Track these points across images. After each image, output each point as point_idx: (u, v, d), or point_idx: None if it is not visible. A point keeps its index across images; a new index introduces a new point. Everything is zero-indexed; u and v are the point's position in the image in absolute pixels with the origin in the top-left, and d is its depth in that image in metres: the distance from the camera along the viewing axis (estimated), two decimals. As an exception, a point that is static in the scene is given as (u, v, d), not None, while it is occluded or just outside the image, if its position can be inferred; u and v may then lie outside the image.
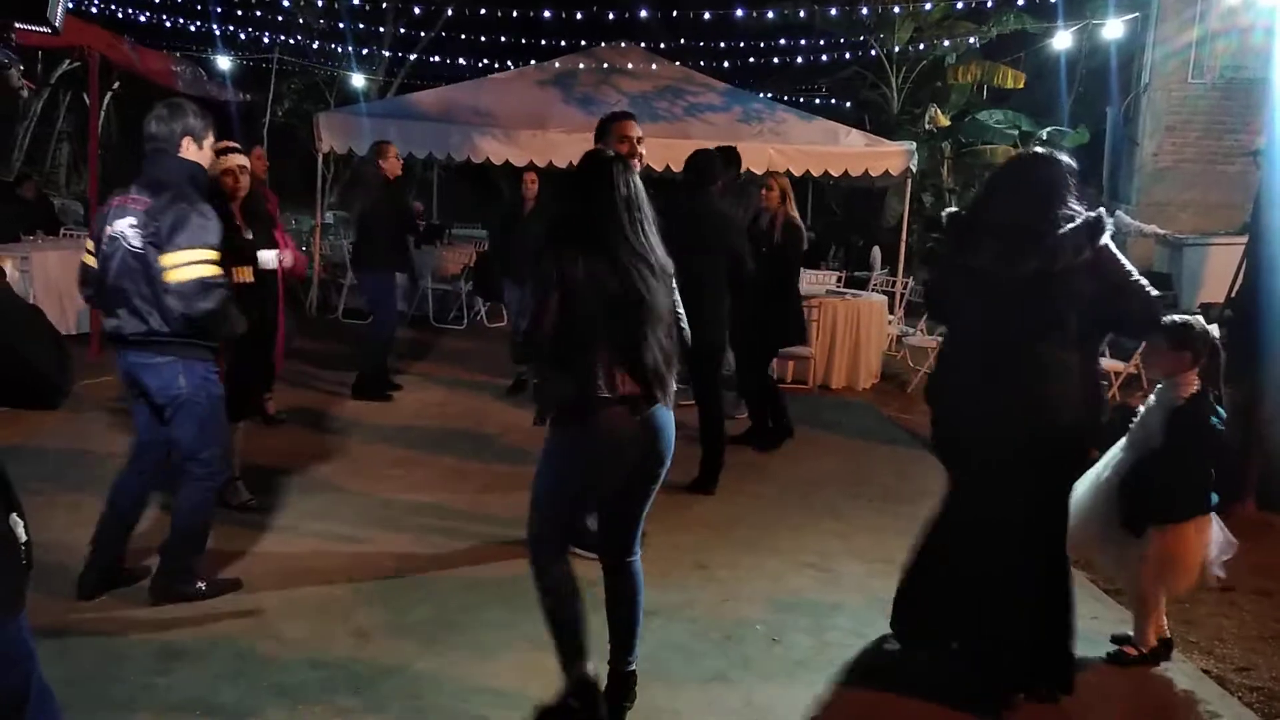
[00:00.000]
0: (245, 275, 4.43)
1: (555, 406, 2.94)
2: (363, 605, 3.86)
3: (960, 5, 14.21)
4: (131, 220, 3.54)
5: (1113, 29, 11.79)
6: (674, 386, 2.99)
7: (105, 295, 3.62)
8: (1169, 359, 3.61)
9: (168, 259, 3.46)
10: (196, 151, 3.69)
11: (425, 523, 4.83)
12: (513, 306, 8.03)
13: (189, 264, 3.46)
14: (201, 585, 3.84)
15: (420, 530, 4.72)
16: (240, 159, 4.56)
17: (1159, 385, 3.74)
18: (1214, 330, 3.69)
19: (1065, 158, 3.35)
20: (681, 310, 3.10)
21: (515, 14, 14.74)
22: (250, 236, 4.57)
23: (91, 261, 3.69)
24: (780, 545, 4.80)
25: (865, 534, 5.01)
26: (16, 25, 2.23)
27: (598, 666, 3.03)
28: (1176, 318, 3.65)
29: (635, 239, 2.91)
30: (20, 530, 1.56)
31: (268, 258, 4.61)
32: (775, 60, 17.23)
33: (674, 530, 4.88)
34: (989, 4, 13.74)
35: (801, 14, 14.89)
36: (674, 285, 3.05)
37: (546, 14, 14.30)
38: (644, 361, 2.85)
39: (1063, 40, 13.62)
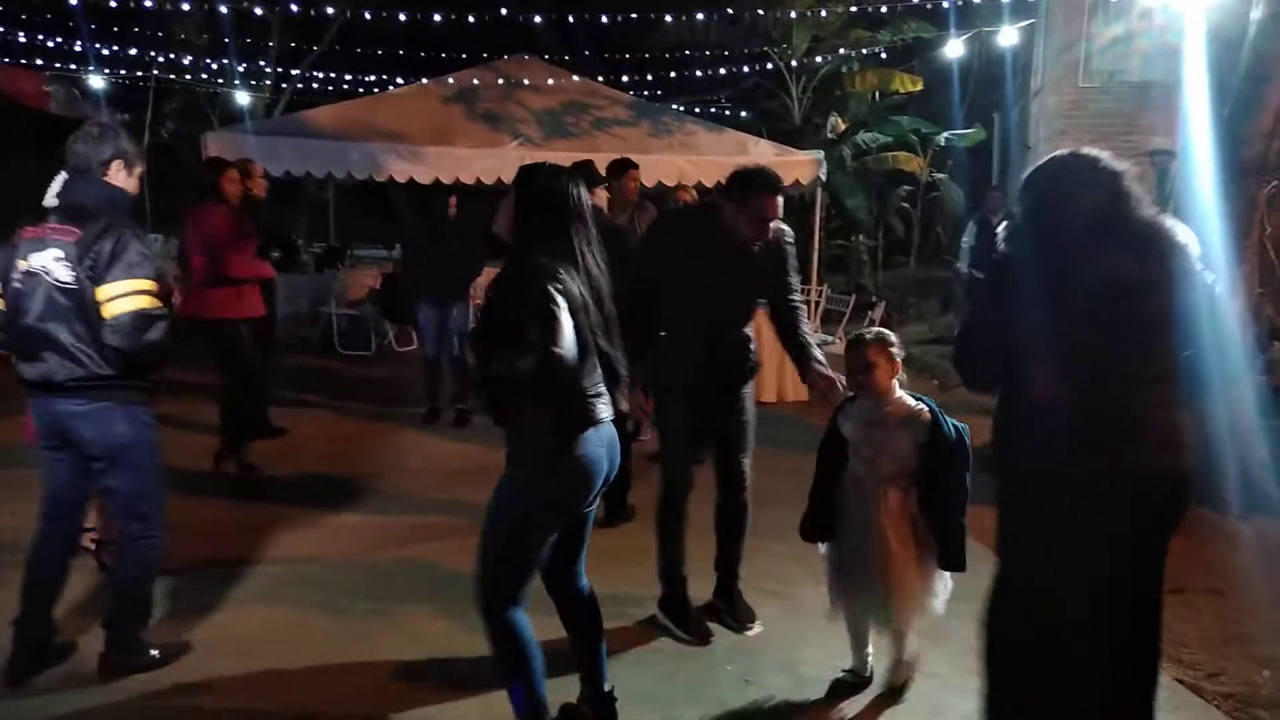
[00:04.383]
0: None
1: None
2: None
3: (855, 10, 14.41)
4: (56, 253, 3.15)
5: (1007, 36, 12.10)
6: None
7: (23, 338, 3.20)
8: (887, 372, 3.35)
9: (104, 291, 3.12)
10: (125, 178, 3.35)
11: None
12: (426, 329, 7.67)
13: (127, 295, 3.13)
14: (155, 653, 3.46)
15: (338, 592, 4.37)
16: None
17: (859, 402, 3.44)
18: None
19: None
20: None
21: (407, 24, 14.22)
22: None
23: None
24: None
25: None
26: None
27: None
28: (876, 330, 3.45)
29: (588, 255, 2.83)
30: None
31: None
32: (674, 74, 17.22)
33: (608, 569, 4.63)
34: (884, 10, 13.95)
35: (701, 20, 14.80)
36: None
37: (437, 19, 13.77)
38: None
39: (955, 48, 13.96)
